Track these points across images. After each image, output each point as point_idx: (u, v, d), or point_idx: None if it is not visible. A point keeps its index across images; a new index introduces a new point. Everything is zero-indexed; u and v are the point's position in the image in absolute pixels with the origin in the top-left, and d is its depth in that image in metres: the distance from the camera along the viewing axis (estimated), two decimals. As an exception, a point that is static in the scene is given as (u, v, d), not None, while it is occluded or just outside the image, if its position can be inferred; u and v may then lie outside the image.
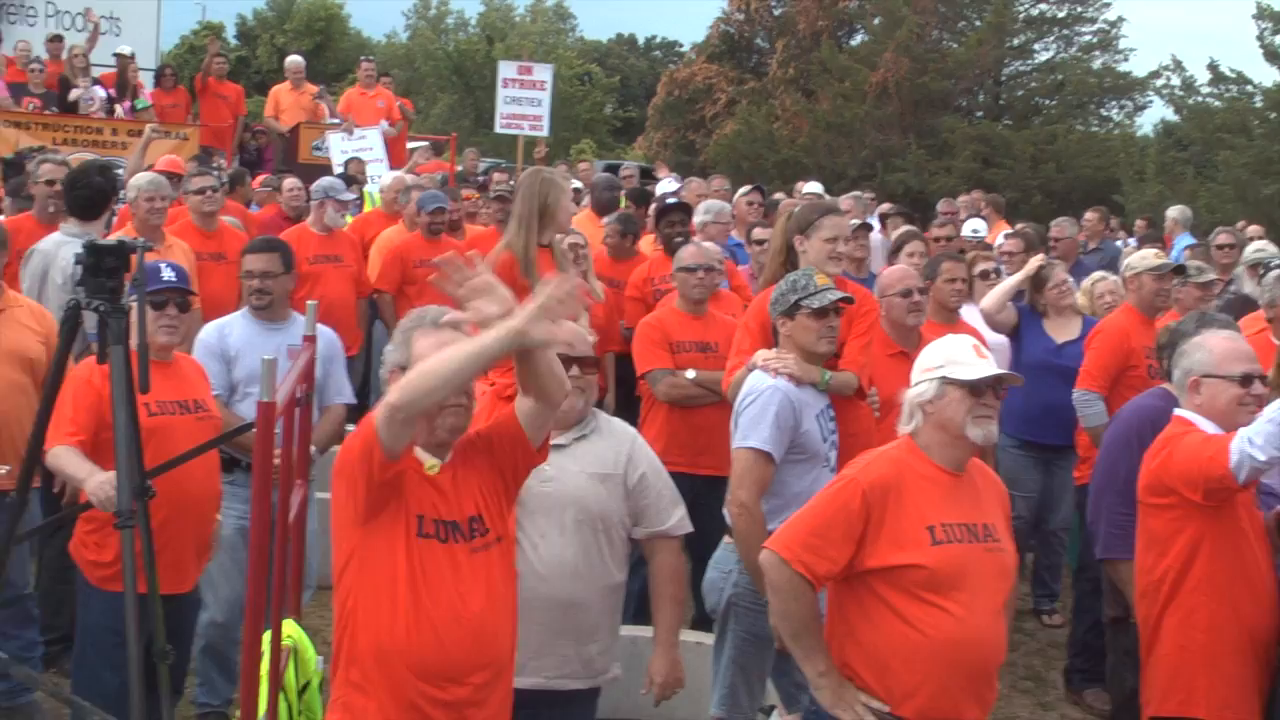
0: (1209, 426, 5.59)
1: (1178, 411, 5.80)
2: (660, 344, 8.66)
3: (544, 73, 18.94)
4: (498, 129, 19.28)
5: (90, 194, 9.14)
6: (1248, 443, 5.16)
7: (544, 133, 18.68)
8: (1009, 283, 9.81)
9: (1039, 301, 9.74)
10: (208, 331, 7.70)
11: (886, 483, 4.81)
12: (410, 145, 20.20)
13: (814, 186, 14.71)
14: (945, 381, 4.85)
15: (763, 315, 6.84)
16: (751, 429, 6.13)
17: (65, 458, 6.07)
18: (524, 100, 18.62)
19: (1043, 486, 9.62)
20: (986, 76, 43.06)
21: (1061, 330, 9.62)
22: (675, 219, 10.68)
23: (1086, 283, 10.57)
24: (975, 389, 4.81)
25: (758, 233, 10.68)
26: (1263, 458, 5.15)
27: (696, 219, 11.17)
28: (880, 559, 4.75)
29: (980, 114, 42.87)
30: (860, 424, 6.76)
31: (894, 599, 4.76)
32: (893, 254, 9.59)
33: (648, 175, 22.93)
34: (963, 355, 4.90)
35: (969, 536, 4.82)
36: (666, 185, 15.62)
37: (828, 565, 4.78)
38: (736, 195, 13.12)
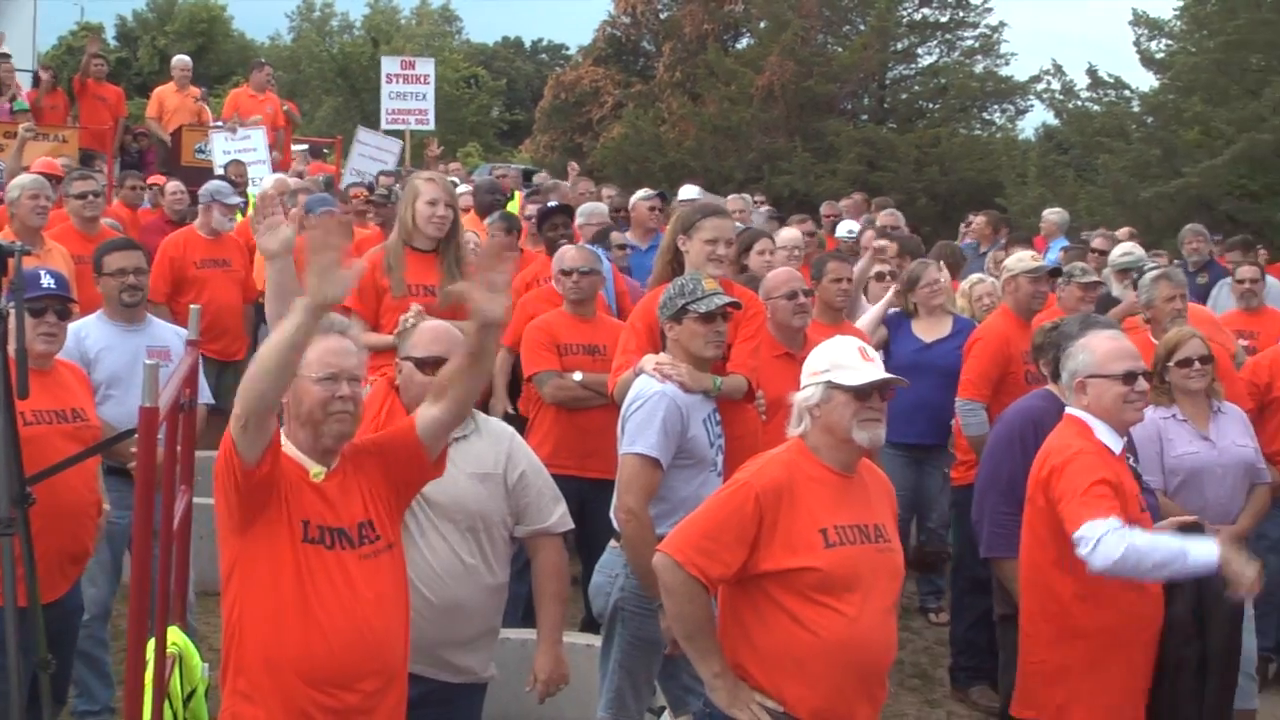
0: (1099, 426, 5.73)
1: (1070, 410, 5.92)
2: (547, 346, 8.65)
3: (426, 66, 18.84)
4: (384, 126, 19.08)
5: None
6: (1109, 544, 5.31)
7: (430, 126, 18.58)
8: (874, 312, 9.81)
9: (910, 301, 9.83)
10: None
11: (779, 486, 4.83)
12: (295, 148, 20.05)
13: (691, 190, 14.76)
14: (831, 386, 4.88)
15: (649, 317, 6.84)
16: (639, 434, 6.12)
17: None
18: (408, 95, 18.50)
19: (915, 485, 9.73)
20: (871, 80, 43.44)
21: (930, 329, 9.72)
22: (558, 221, 10.75)
23: (965, 284, 10.72)
24: (860, 393, 4.84)
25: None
26: (1105, 565, 5.33)
27: (579, 220, 11.23)
28: (774, 562, 4.78)
29: (865, 117, 43.25)
30: (746, 426, 6.78)
31: (787, 601, 4.79)
32: (743, 253, 9.54)
33: (530, 178, 22.95)
34: (848, 359, 4.92)
35: (861, 538, 4.86)
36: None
37: (721, 568, 4.81)
38: (634, 198, 13.10)
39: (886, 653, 4.98)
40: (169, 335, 7.73)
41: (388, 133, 19.10)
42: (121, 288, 7.70)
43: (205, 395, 7.87)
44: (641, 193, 13.20)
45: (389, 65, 18.80)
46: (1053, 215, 17.90)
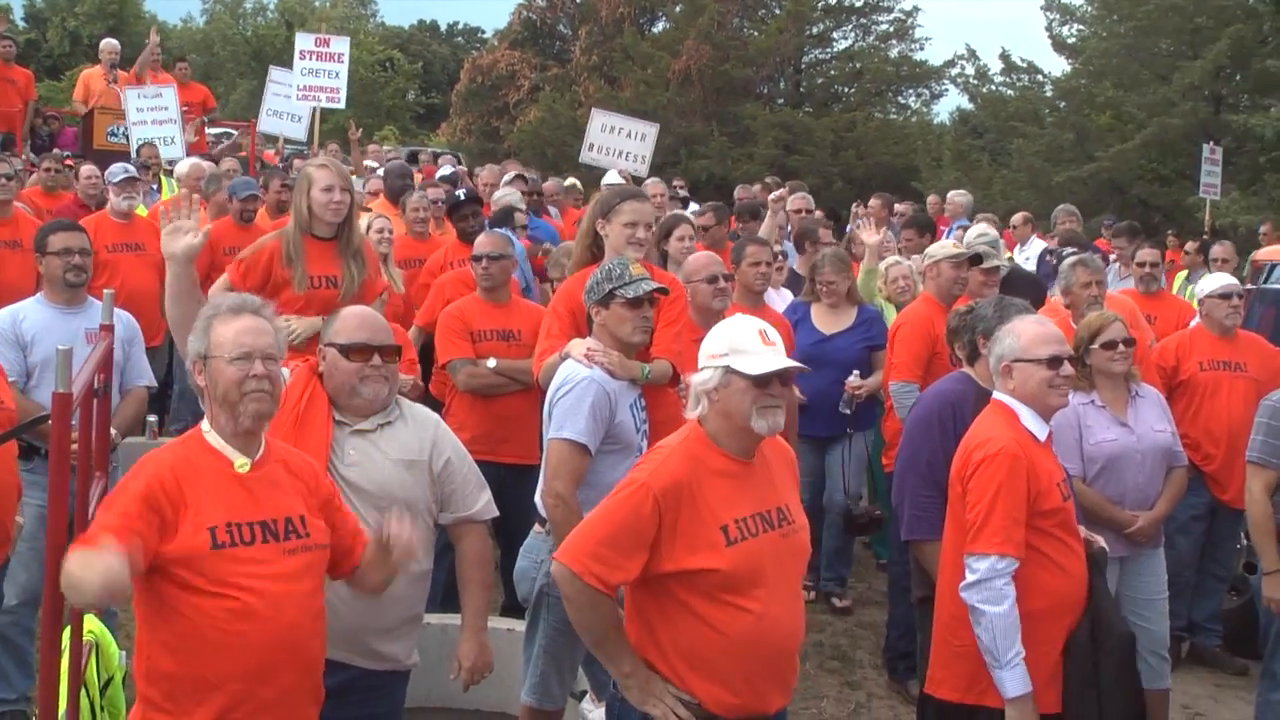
0: (1025, 411, 5.77)
1: (996, 395, 5.95)
2: (460, 334, 8.65)
3: (341, 45, 18.50)
4: (295, 100, 18.83)
5: None
6: (987, 593, 5.50)
7: (340, 105, 18.39)
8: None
9: (813, 290, 9.86)
10: (1, 318, 7.52)
11: (678, 484, 4.69)
12: (211, 132, 19.86)
13: (613, 177, 14.77)
14: (729, 371, 4.73)
15: (571, 301, 6.82)
16: (566, 420, 6.08)
17: None
18: (321, 72, 18.16)
19: (817, 471, 9.80)
20: (787, 64, 43.65)
21: (831, 321, 9.77)
22: (467, 211, 10.77)
23: (880, 266, 10.76)
24: (760, 381, 4.69)
25: None
26: (971, 602, 5.53)
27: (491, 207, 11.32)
28: (675, 563, 4.66)
29: (781, 101, 43.43)
30: (669, 411, 6.70)
31: (691, 601, 4.69)
32: (663, 239, 9.53)
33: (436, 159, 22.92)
34: (748, 343, 4.77)
35: (764, 526, 4.77)
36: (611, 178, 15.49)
37: (621, 575, 4.69)
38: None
39: (794, 637, 4.90)
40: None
41: (308, 89, 18.88)
42: (66, 267, 7.66)
43: (147, 377, 7.83)
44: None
45: (303, 42, 18.42)
46: (958, 197, 18.22)
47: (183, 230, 5.62)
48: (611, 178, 14.67)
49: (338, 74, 17.84)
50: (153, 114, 17.27)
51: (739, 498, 4.76)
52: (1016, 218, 17.43)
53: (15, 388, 6.99)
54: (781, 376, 4.73)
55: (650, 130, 15.77)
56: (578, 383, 6.12)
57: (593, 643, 4.88)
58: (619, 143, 15.81)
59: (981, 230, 10.56)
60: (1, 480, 6.44)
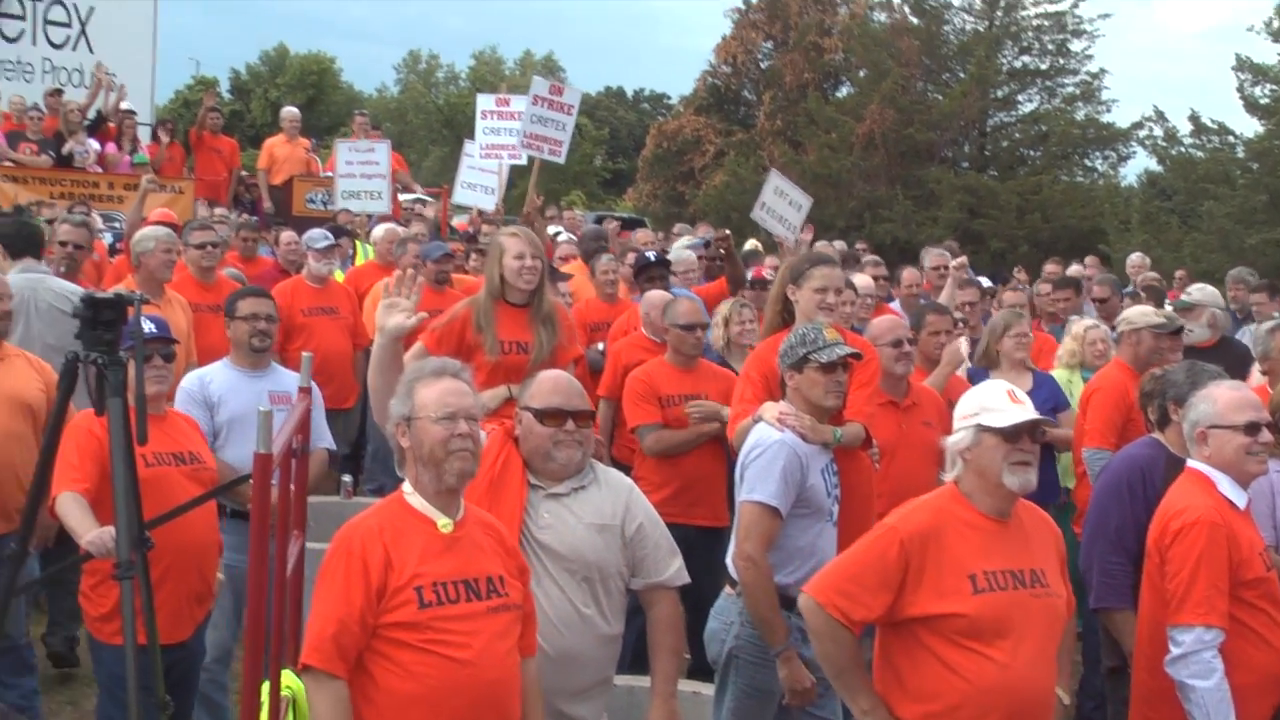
0: (1221, 479, 5.63)
1: (1191, 463, 5.82)
2: (648, 398, 8.68)
3: (520, 103, 18.44)
4: (479, 157, 18.70)
5: (31, 232, 9.41)
6: (1196, 666, 5.36)
7: (561, 159, 18.35)
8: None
9: (993, 350, 9.65)
10: (189, 380, 7.73)
11: (926, 531, 4.81)
12: (404, 198, 20.21)
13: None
14: (980, 429, 4.86)
15: (764, 365, 6.85)
16: (759, 483, 6.09)
17: (69, 507, 6.06)
18: (502, 131, 17.99)
19: None
20: (971, 128, 43.19)
21: (1012, 383, 9.57)
22: (655, 274, 10.79)
23: (1077, 329, 10.52)
24: (1010, 435, 4.80)
25: None
26: (1180, 678, 5.41)
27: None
28: (922, 607, 4.77)
29: (966, 164, 42.96)
30: (861, 475, 6.70)
31: (937, 646, 4.77)
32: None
33: (634, 225, 22.98)
34: (997, 402, 4.90)
35: (1014, 583, 4.80)
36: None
37: (863, 611, 4.81)
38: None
39: (1040, 695, 4.88)
40: (290, 382, 7.82)
41: (492, 148, 18.90)
42: (252, 333, 7.83)
43: (327, 439, 7.95)
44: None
45: (483, 103, 18.25)
46: (1135, 259, 17.90)
47: (399, 308, 5.68)
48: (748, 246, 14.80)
49: (565, 126, 17.84)
50: (363, 168, 17.62)
51: (990, 551, 4.83)
52: (1132, 258, 17.16)
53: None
54: (1031, 432, 4.83)
55: (806, 202, 15.74)
56: (769, 446, 6.12)
57: (833, 675, 4.99)
58: (783, 208, 15.81)
59: (1199, 287, 10.29)
60: (203, 538, 6.62)
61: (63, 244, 9.94)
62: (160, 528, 5.67)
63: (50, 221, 11.92)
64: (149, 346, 6.53)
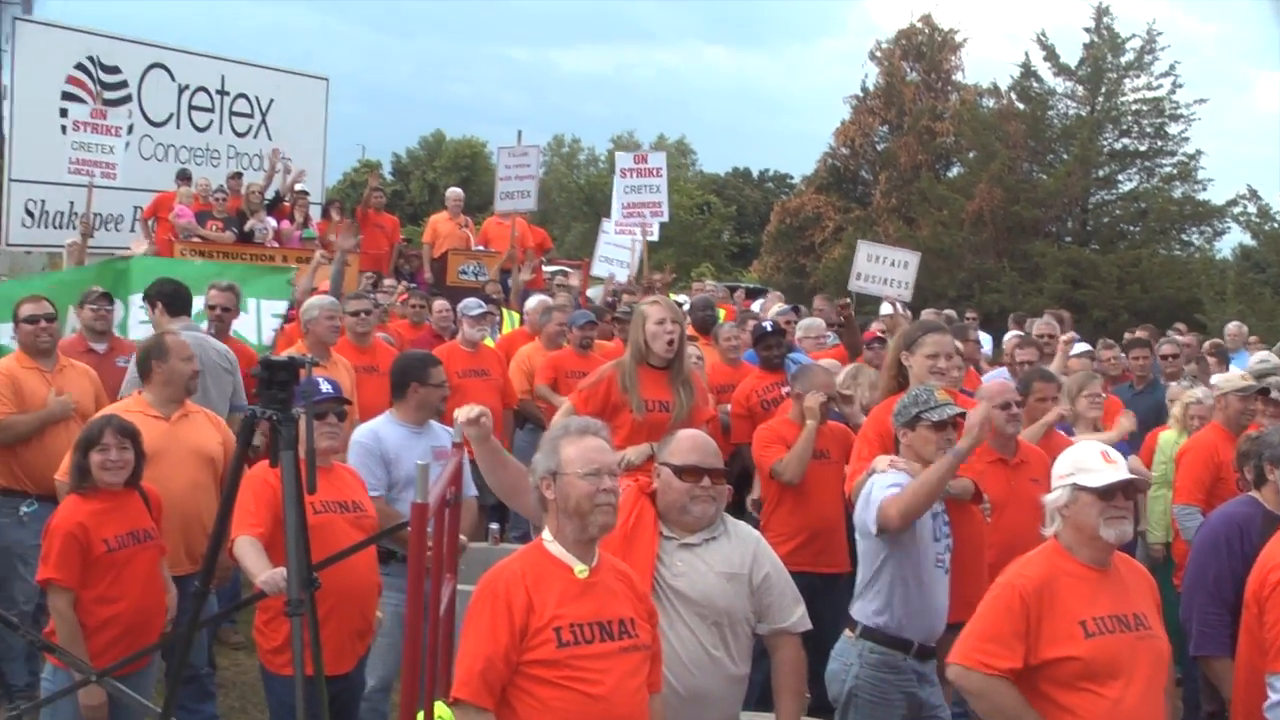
0: None
1: None
2: (779, 441, 8.67)
3: (658, 160, 18.29)
4: (616, 217, 18.74)
5: (187, 293, 9.62)
6: None
7: (664, 218, 18.22)
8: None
9: (1074, 411, 9.46)
10: (364, 435, 7.72)
11: (1039, 584, 4.83)
12: (547, 269, 20.39)
13: (778, 306, 14.97)
14: (1076, 488, 4.87)
15: (880, 426, 6.90)
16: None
17: (245, 549, 6.17)
18: (643, 188, 18.02)
19: None
20: (1074, 205, 42.76)
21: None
22: (772, 343, 10.75)
23: (1186, 396, 10.32)
24: (1105, 494, 4.81)
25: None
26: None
27: (797, 333, 11.29)
28: (1040, 655, 4.77)
29: (1069, 239, 42.53)
30: (972, 527, 6.77)
31: (1054, 691, 4.77)
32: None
33: (759, 295, 22.93)
34: (1091, 462, 4.91)
35: (1120, 627, 4.81)
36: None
37: (1008, 660, 4.79)
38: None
39: None
40: (446, 437, 7.89)
41: (623, 226, 18.98)
42: (440, 398, 7.94)
43: (474, 489, 8.00)
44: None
45: (623, 161, 18.42)
46: (1232, 327, 17.60)
47: (476, 420, 5.33)
48: (777, 309, 14.70)
49: (658, 188, 17.77)
50: (517, 170, 17.99)
51: (1096, 599, 4.83)
52: (1230, 327, 16.85)
53: (381, 499, 7.25)
54: (1124, 489, 4.85)
55: (912, 259, 15.58)
56: (878, 480, 6.23)
57: None
58: (884, 271, 15.67)
59: (1263, 358, 10.11)
60: (365, 579, 6.69)
61: (211, 308, 10.12)
62: (326, 569, 5.74)
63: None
64: (326, 405, 6.67)
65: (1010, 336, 13.49)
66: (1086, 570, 4.87)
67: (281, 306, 11.60)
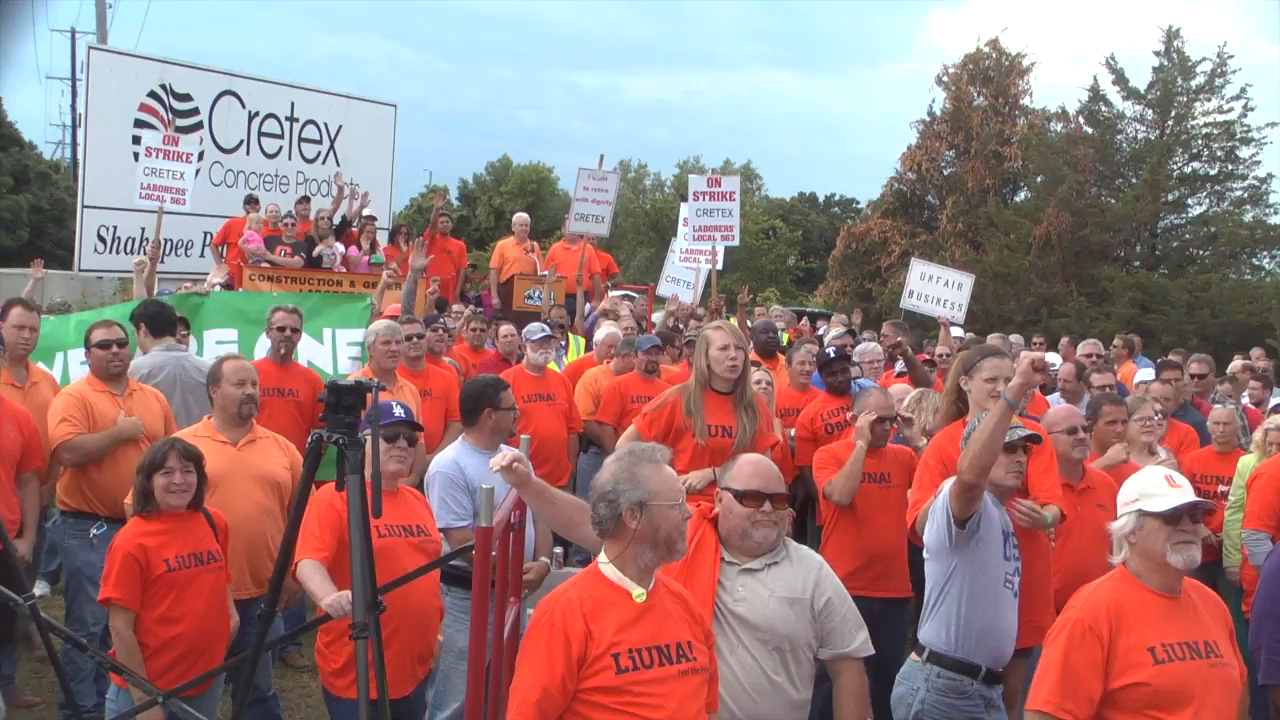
0: None
1: None
2: (834, 462, 8.62)
3: (731, 184, 18.13)
4: (688, 243, 18.71)
5: (170, 314, 9.86)
6: None
7: (734, 242, 18.08)
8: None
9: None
10: (446, 465, 7.64)
11: (1109, 614, 4.80)
12: (613, 294, 20.41)
13: (837, 329, 14.87)
14: (1142, 514, 4.85)
15: (941, 453, 6.86)
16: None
17: (310, 573, 6.20)
18: (715, 211, 17.68)
19: None
20: (1143, 229, 42.32)
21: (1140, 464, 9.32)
22: (837, 368, 10.72)
23: (1269, 420, 10.17)
24: (1170, 518, 4.78)
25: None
26: None
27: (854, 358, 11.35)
28: (1110, 683, 4.75)
29: (1137, 263, 42.09)
30: (1039, 553, 6.73)
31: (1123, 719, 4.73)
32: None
33: (824, 319, 22.87)
34: (1156, 487, 4.89)
35: (1190, 654, 4.76)
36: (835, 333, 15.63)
37: (1088, 706, 4.75)
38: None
39: None
40: None
41: (691, 251, 18.81)
42: (512, 421, 7.96)
43: None
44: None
45: (695, 184, 18.28)
46: None
47: (516, 471, 5.31)
48: (835, 331, 14.65)
49: (731, 212, 17.67)
50: (595, 193, 18.08)
51: (1166, 625, 4.80)
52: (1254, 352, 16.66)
53: (467, 528, 7.21)
54: (1191, 513, 4.81)
55: (966, 280, 15.42)
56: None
57: None
58: (937, 290, 15.55)
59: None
60: (426, 604, 6.71)
61: (280, 329, 10.19)
62: (388, 593, 5.76)
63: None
64: (397, 429, 6.69)
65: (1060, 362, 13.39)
66: (1156, 597, 4.84)
67: (359, 334, 11.65)
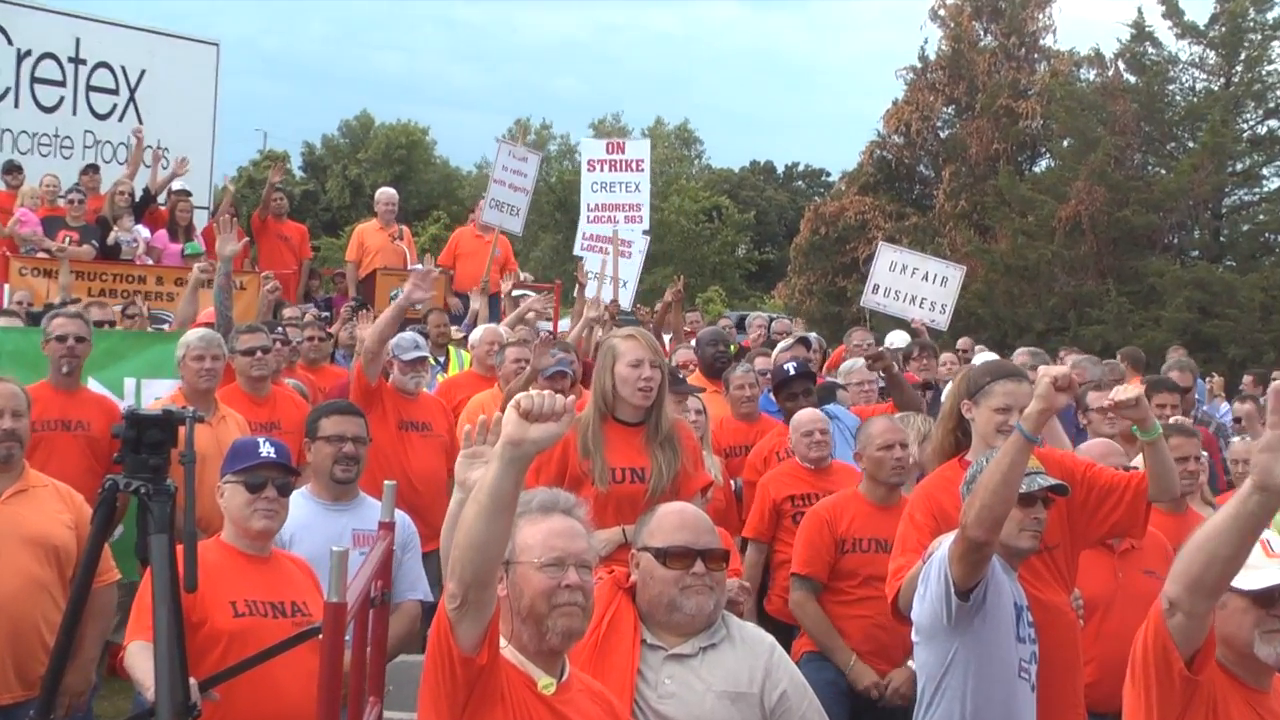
0: None
1: None
2: (824, 544, 8.64)
3: (640, 149, 18.11)
4: (585, 228, 18.58)
5: None
6: None
7: (642, 225, 17.98)
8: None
9: None
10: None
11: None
12: (515, 294, 20.37)
13: (897, 338, 14.82)
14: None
15: (933, 504, 6.75)
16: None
17: (137, 659, 6.10)
18: (617, 185, 18.06)
19: None
20: (1203, 208, 42.67)
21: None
22: (798, 389, 10.71)
23: None
24: (1263, 599, 4.64)
25: None
26: None
27: (840, 379, 11.29)
28: None
29: (1196, 253, 42.48)
30: (1062, 633, 6.57)
31: None
32: None
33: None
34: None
35: None
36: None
37: None
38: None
39: None
40: (372, 515, 7.77)
41: (593, 238, 18.97)
42: (337, 457, 7.84)
43: (421, 589, 7.91)
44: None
45: (591, 150, 18.25)
46: None
47: (482, 459, 5.23)
48: (896, 338, 14.60)
49: (638, 186, 17.50)
50: (513, 177, 18.07)
51: None
52: None
53: None
54: None
55: (954, 274, 15.44)
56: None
57: None
58: (911, 285, 15.50)
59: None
60: (294, 702, 6.63)
61: (61, 340, 10.05)
62: (248, 690, 5.73)
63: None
64: (264, 473, 6.62)
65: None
66: (1243, 689, 4.73)
67: (171, 387, 11.43)
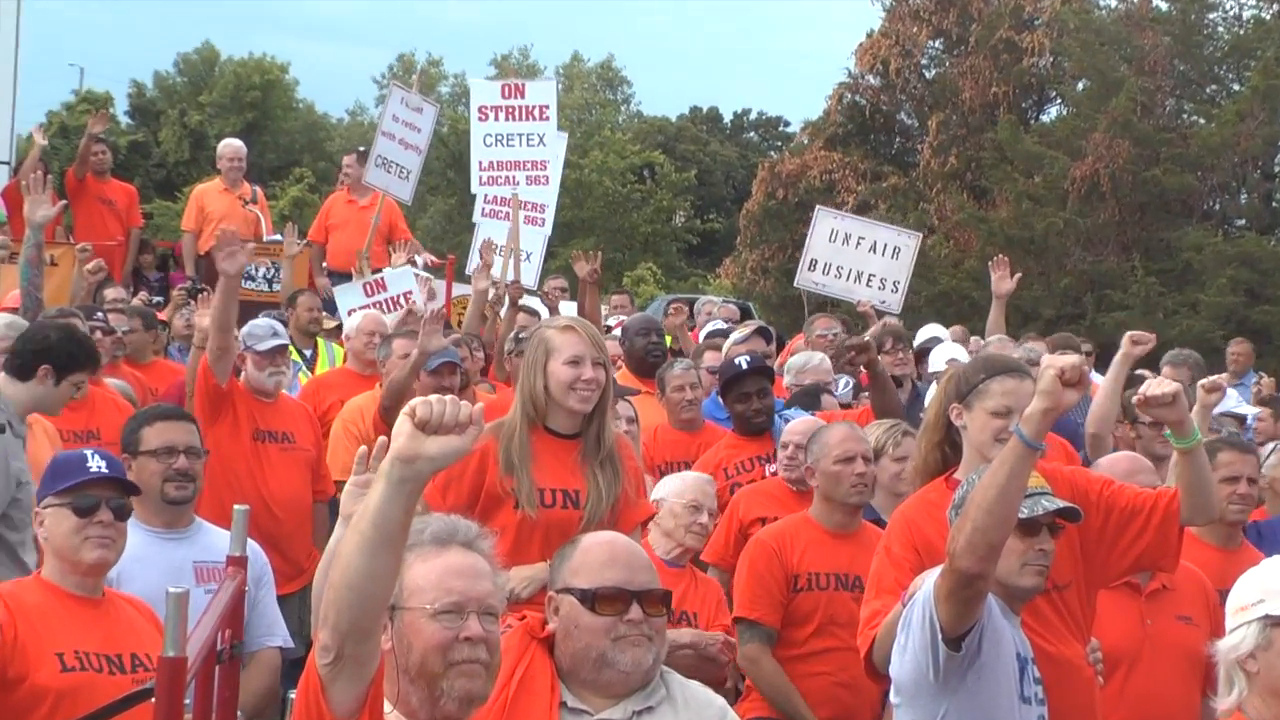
0: None
1: None
2: (773, 582, 8.68)
3: (544, 93, 17.96)
4: (477, 189, 18.43)
5: None
6: None
7: (547, 186, 17.84)
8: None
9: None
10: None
11: None
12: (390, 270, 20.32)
13: (934, 331, 14.90)
14: (1271, 623, 4.75)
15: (914, 534, 6.75)
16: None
17: None
18: (516, 138, 17.58)
19: None
20: (1251, 167, 42.89)
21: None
22: (751, 390, 10.68)
23: None
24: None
25: None
26: None
27: (785, 379, 11.27)
28: None
29: (1242, 222, 42.71)
30: (1079, 693, 6.62)
31: None
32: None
33: (744, 315, 22.92)
34: None
35: None
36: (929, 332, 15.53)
37: None
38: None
39: None
40: (224, 548, 7.72)
41: (495, 200, 18.64)
42: (166, 474, 7.76)
43: (279, 635, 7.91)
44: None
45: (482, 93, 18.09)
46: None
47: (365, 486, 4.97)
48: (937, 334, 14.70)
49: (542, 138, 17.32)
50: (406, 131, 17.98)
51: None
52: None
53: None
54: None
55: (908, 243, 15.45)
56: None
57: None
58: (857, 259, 15.44)
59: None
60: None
61: None
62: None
63: None
64: (95, 494, 6.56)
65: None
66: None
67: None
